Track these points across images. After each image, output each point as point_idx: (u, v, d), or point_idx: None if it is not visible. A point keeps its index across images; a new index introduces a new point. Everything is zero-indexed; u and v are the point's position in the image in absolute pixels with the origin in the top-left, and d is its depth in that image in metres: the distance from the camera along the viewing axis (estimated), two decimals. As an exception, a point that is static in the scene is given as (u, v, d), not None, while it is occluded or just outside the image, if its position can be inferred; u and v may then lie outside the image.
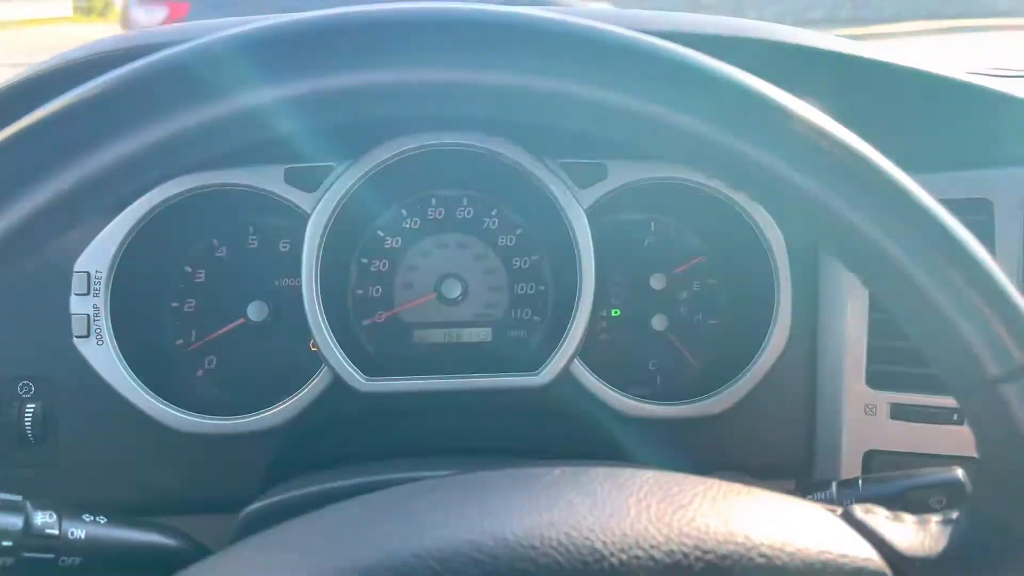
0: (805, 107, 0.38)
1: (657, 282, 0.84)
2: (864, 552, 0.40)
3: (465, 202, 0.84)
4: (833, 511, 0.44)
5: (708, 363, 0.84)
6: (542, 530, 0.35)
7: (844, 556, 0.39)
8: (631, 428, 0.75)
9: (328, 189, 0.75)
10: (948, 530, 0.42)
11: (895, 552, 0.41)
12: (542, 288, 0.83)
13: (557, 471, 0.42)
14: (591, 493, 0.41)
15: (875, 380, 0.72)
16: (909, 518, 0.44)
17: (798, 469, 0.78)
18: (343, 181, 0.75)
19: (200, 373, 0.81)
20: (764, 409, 0.77)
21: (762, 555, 0.37)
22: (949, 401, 0.72)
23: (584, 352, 0.80)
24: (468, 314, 0.84)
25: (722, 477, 0.73)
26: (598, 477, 0.42)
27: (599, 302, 0.83)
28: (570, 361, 0.75)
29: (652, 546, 0.36)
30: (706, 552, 0.36)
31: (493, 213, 0.84)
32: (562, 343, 0.74)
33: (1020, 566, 0.40)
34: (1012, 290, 0.38)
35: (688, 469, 0.74)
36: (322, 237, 0.74)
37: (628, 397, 0.76)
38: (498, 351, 0.82)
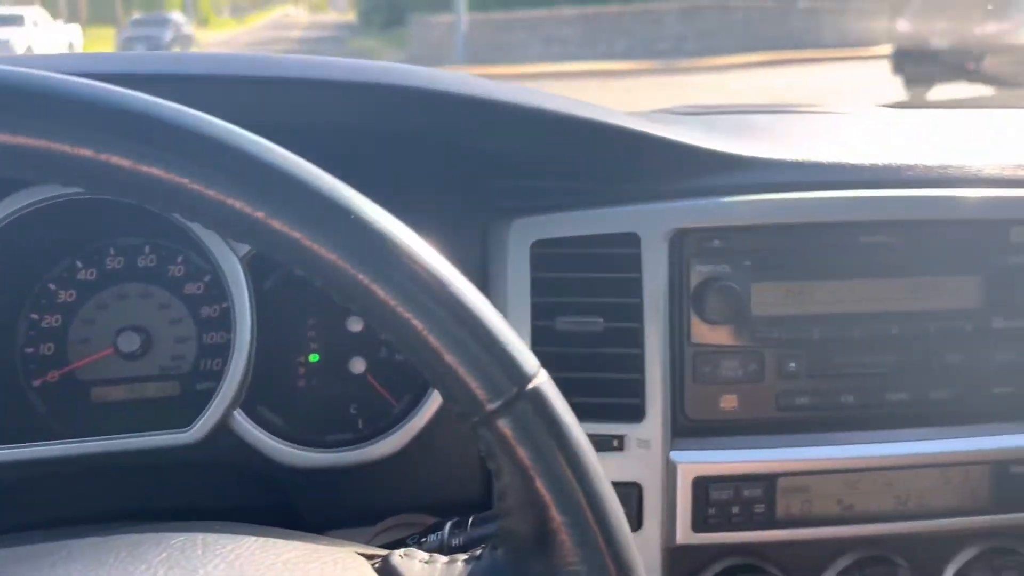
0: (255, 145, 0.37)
1: (354, 324, 0.83)
2: None
3: (147, 250, 0.81)
4: (375, 556, 0.44)
5: (410, 403, 0.83)
6: None
7: None
8: (300, 479, 0.74)
9: None
10: (470, 568, 0.43)
11: None
12: (232, 337, 0.81)
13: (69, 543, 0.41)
14: (103, 562, 0.39)
15: None
16: (441, 559, 0.44)
17: (478, 504, 0.79)
18: None
19: None
20: (438, 446, 0.77)
21: None
22: (609, 429, 0.74)
23: (280, 400, 0.78)
24: (154, 368, 0.80)
25: (403, 519, 0.73)
26: (117, 545, 0.41)
27: (296, 348, 0.82)
28: (226, 415, 0.72)
29: None
30: None
31: (179, 260, 0.81)
32: (214, 398, 0.72)
33: None
34: (497, 325, 0.39)
35: (365, 513, 0.73)
36: None
37: (295, 448, 0.74)
38: (184, 405, 0.79)
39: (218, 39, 34.63)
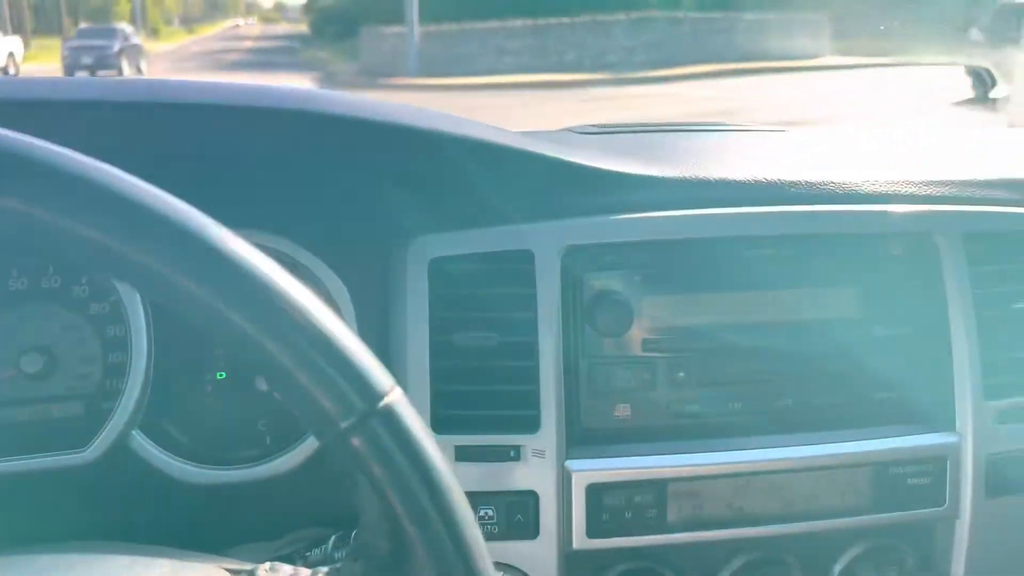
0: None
1: None
2: None
3: (51, 271, 0.82)
4: (241, 570, 0.46)
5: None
6: None
7: None
8: (203, 496, 0.75)
9: None
10: None
11: None
12: (129, 358, 0.82)
13: None
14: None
15: (440, 425, 0.75)
16: (304, 572, 0.46)
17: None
18: None
19: None
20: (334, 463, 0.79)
21: None
22: (508, 440, 0.76)
23: (186, 418, 0.79)
24: (59, 388, 0.81)
25: (305, 533, 0.74)
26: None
27: (202, 366, 0.83)
28: (124, 435, 0.73)
29: None
30: None
31: (83, 281, 0.82)
32: (110, 419, 0.73)
33: None
34: (349, 346, 0.41)
35: (269, 528, 0.74)
36: None
37: (195, 466, 0.75)
38: (88, 425, 0.80)
39: (167, 49, 34.14)
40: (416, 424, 0.42)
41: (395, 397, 0.42)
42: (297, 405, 0.41)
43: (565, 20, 16.21)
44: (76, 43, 19.66)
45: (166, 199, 0.38)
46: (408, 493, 0.41)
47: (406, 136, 0.73)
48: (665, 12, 16.50)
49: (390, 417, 0.41)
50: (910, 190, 0.85)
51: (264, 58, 25.99)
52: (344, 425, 0.40)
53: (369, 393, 0.41)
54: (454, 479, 0.43)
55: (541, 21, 16.28)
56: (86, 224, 0.37)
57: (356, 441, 0.40)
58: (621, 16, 16.16)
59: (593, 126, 1.06)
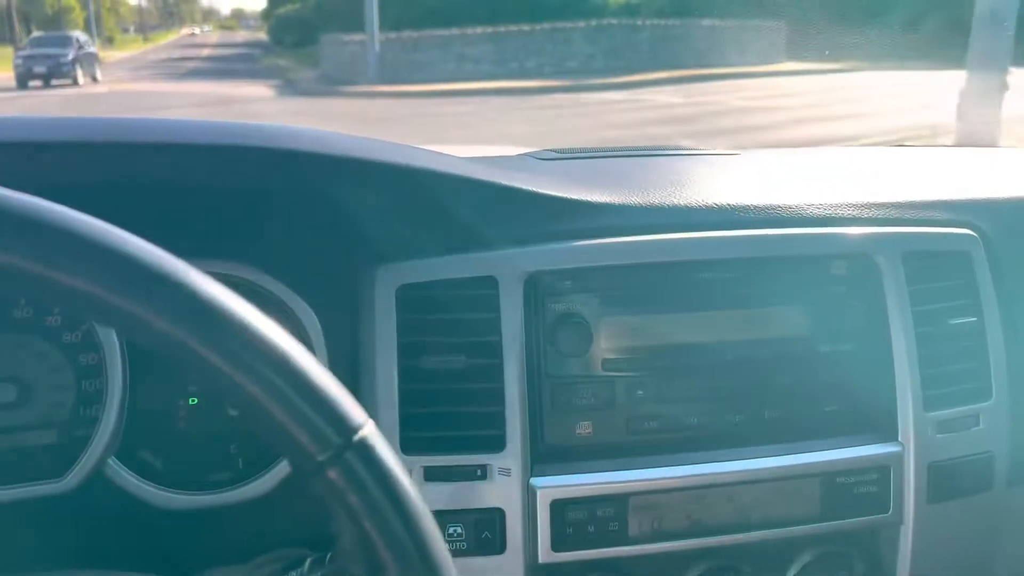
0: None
1: None
2: None
3: (23, 301, 0.83)
4: None
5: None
6: None
7: None
8: (178, 521, 0.77)
9: None
10: None
11: None
12: (104, 387, 0.83)
13: None
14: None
15: (408, 446, 0.78)
16: None
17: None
18: None
19: None
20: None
21: None
22: (474, 459, 0.80)
23: (160, 443, 0.81)
24: (32, 416, 0.82)
25: (279, 554, 0.76)
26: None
27: (175, 392, 0.85)
28: (100, 463, 0.75)
29: None
30: None
31: (56, 311, 0.84)
32: (87, 448, 0.75)
33: None
34: (324, 382, 0.43)
35: (243, 551, 0.76)
36: None
37: (171, 492, 0.77)
38: (62, 452, 0.81)
39: (124, 57, 33.66)
40: (388, 455, 0.45)
41: (368, 431, 0.44)
42: (274, 439, 0.43)
43: (525, 27, 16.30)
44: (29, 52, 19.30)
45: (135, 241, 0.40)
46: (382, 521, 0.44)
47: (375, 170, 0.76)
48: (624, 19, 16.66)
49: (365, 450, 0.44)
50: (852, 212, 0.89)
51: (223, 66, 25.75)
52: (321, 458, 0.43)
53: (344, 427, 0.43)
54: (424, 506, 0.46)
55: (501, 28, 16.36)
56: (54, 269, 0.39)
57: (332, 473, 0.43)
58: (581, 23, 16.31)
59: (552, 151, 1.09)
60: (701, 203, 0.86)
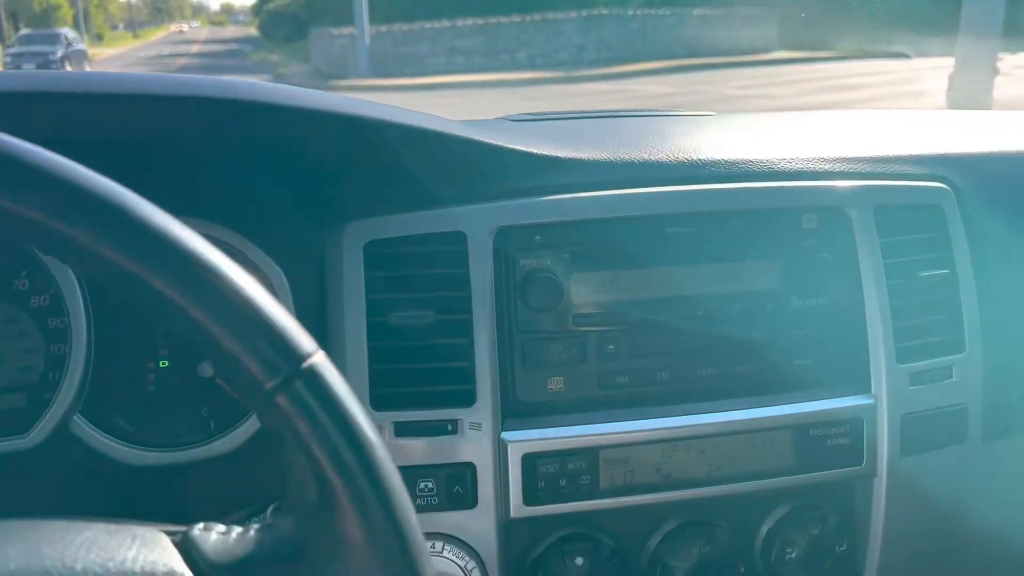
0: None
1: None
2: (169, 566, 0.44)
3: (-11, 266, 0.83)
4: (176, 531, 0.48)
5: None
6: None
7: (145, 571, 0.43)
8: (147, 478, 0.77)
9: None
10: (258, 536, 0.47)
11: (205, 561, 0.45)
12: (69, 348, 0.83)
13: None
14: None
15: (379, 402, 0.78)
16: (237, 530, 0.48)
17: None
18: None
19: None
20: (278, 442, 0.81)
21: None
22: (444, 414, 0.79)
23: (130, 405, 0.81)
24: (1, 381, 0.82)
25: (243, 510, 0.76)
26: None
27: (145, 354, 0.84)
28: (65, 419, 0.75)
29: None
30: None
31: (23, 275, 0.83)
32: (51, 404, 0.75)
33: (304, 569, 0.45)
34: (273, 312, 0.43)
35: (214, 508, 0.76)
36: None
37: (138, 448, 0.77)
38: (30, 414, 0.81)
39: (113, 54, 33.53)
40: (338, 382, 0.45)
41: (318, 359, 0.44)
42: (225, 370, 0.43)
43: (516, 19, 16.28)
44: (17, 49, 19.26)
45: (90, 175, 0.41)
46: (331, 446, 0.44)
47: (339, 123, 0.76)
48: (615, 9, 16.64)
49: (313, 377, 0.43)
50: (824, 167, 0.89)
51: (213, 61, 25.70)
52: (269, 386, 0.43)
53: (292, 355, 0.43)
54: (375, 432, 0.46)
55: (492, 20, 16.33)
56: (10, 198, 0.39)
57: (281, 400, 0.43)
58: (572, 14, 16.28)
59: (528, 114, 1.09)
60: (672, 158, 0.86)
